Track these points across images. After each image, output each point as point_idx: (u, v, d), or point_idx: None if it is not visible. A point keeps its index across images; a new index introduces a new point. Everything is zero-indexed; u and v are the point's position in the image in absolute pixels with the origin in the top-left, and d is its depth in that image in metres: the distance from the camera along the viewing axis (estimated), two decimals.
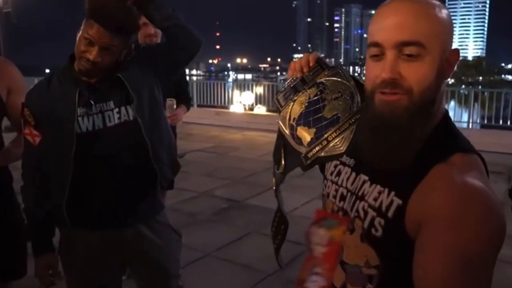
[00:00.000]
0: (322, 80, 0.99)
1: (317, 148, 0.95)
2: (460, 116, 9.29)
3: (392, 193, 0.85)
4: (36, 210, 1.62)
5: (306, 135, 0.96)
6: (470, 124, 8.81)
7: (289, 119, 0.99)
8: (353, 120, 0.93)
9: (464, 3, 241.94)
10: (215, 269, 3.22)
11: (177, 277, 1.81)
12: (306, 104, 0.98)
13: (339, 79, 0.98)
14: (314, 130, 0.95)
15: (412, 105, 0.81)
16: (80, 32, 1.50)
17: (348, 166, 0.99)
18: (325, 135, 0.94)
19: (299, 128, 0.98)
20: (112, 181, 1.58)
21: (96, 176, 1.58)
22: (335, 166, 1.03)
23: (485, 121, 9.06)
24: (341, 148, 0.93)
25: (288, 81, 1.03)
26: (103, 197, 1.59)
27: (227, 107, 11.54)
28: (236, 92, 12.35)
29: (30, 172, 1.63)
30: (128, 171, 1.60)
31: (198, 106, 11.44)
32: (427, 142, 0.84)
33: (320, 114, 0.96)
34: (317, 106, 0.97)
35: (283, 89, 1.03)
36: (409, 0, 0.83)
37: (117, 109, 1.57)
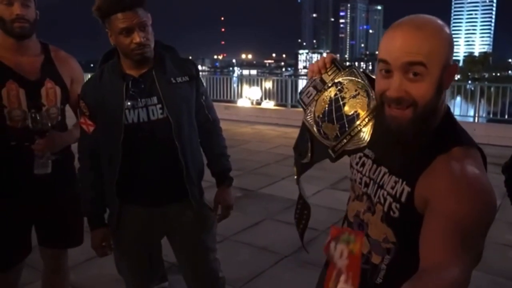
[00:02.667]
0: (340, 80, 1.10)
1: (343, 142, 1.07)
2: (466, 111, 9.40)
3: (404, 182, 1.03)
4: (90, 190, 1.81)
5: (331, 130, 1.09)
6: (476, 119, 8.90)
7: (314, 116, 1.11)
8: (371, 116, 1.05)
9: None
10: (235, 251, 3.41)
11: (214, 251, 1.98)
12: (328, 102, 1.10)
13: (354, 78, 1.09)
14: (338, 126, 1.08)
15: (416, 117, 0.96)
16: (114, 35, 1.65)
17: (370, 158, 1.15)
18: (348, 131, 1.07)
19: (324, 125, 1.10)
20: (154, 164, 1.76)
21: (141, 161, 1.76)
22: (360, 158, 1.19)
23: (491, 116, 9.18)
24: (364, 142, 1.06)
25: (309, 82, 1.15)
26: (147, 178, 1.77)
27: (234, 102, 11.69)
28: (245, 87, 12.48)
29: (85, 157, 1.83)
30: (168, 158, 1.77)
31: None
32: (431, 137, 1.00)
33: (342, 112, 1.08)
34: (338, 104, 1.09)
35: (305, 89, 1.15)
36: (414, 26, 0.95)
37: (160, 105, 1.73)
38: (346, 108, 1.07)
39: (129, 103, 1.71)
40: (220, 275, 2.01)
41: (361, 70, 1.13)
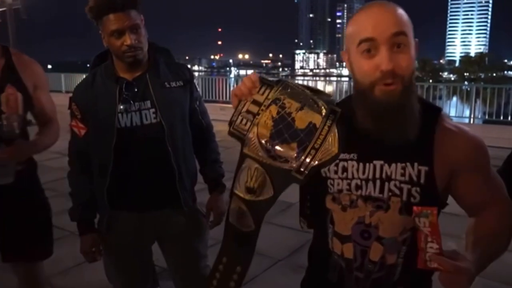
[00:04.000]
0: (277, 96, 0.98)
1: (308, 159, 0.94)
2: (462, 111, 9.39)
3: (415, 164, 1.04)
4: (81, 194, 1.78)
5: (288, 151, 0.95)
6: (472, 120, 8.89)
7: (260, 142, 0.97)
8: (330, 122, 0.95)
9: None
10: None
11: (205, 257, 1.94)
12: (273, 123, 0.96)
13: (292, 91, 0.98)
14: (296, 144, 0.95)
15: (404, 88, 1.00)
16: (106, 37, 1.63)
17: (352, 160, 1.08)
18: (311, 144, 0.94)
19: (277, 148, 0.96)
20: (146, 169, 1.72)
21: (133, 165, 1.72)
22: (336, 165, 1.09)
23: (487, 117, 9.18)
24: (334, 150, 0.95)
25: (239, 107, 1.00)
26: (138, 183, 1.74)
27: (230, 103, 11.63)
28: None
29: (76, 160, 1.79)
30: (160, 162, 1.73)
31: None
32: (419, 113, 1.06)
33: (294, 128, 0.95)
34: (286, 121, 0.96)
35: (236, 117, 1.00)
36: (383, 6, 1.01)
37: (153, 109, 1.70)
38: (297, 123, 0.96)
39: (122, 107, 1.67)
40: None
41: (294, 81, 1.05)
